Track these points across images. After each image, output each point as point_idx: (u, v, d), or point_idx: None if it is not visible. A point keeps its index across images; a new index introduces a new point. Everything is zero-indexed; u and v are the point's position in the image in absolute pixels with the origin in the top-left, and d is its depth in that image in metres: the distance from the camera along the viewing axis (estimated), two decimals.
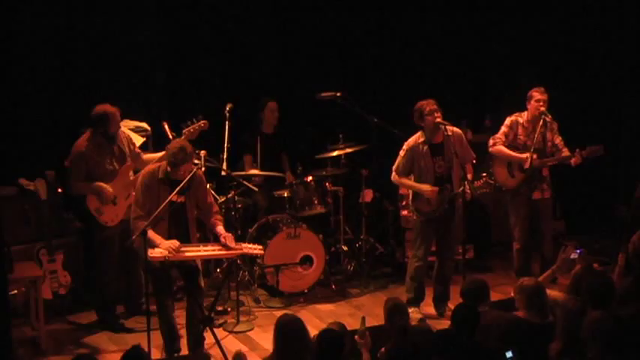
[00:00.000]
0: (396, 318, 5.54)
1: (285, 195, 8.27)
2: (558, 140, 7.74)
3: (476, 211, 8.49)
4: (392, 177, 7.45)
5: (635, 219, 7.64)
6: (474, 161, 7.45)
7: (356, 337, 5.43)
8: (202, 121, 7.26)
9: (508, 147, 7.75)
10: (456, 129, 7.31)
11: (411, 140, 7.33)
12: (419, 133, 7.30)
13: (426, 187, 7.23)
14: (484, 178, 7.23)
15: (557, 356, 5.36)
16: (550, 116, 7.62)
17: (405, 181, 7.39)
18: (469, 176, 7.16)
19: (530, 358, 5.34)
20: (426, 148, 7.26)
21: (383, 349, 5.30)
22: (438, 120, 7.11)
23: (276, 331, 5.14)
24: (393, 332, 5.44)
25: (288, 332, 5.11)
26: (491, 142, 7.85)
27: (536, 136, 7.49)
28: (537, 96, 7.63)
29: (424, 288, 7.56)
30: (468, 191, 7.07)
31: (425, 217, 7.34)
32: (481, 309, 5.51)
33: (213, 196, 7.54)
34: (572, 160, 7.61)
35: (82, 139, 7.20)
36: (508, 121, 7.81)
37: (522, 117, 7.75)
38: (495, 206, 8.93)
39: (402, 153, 7.36)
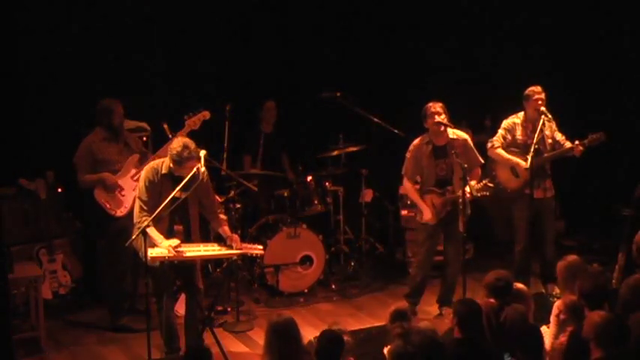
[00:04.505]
0: (396, 324, 5.55)
1: (285, 195, 8.27)
2: (559, 137, 7.73)
3: (478, 210, 8.50)
4: (403, 184, 7.50)
5: (635, 219, 7.63)
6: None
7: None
8: (204, 112, 7.29)
9: (508, 147, 7.74)
10: (462, 134, 7.36)
11: (417, 141, 7.38)
12: (425, 135, 7.34)
13: (426, 212, 7.31)
14: (484, 181, 7.23)
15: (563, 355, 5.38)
16: (549, 115, 7.61)
17: (411, 192, 7.44)
18: (474, 181, 7.18)
19: None
20: (429, 148, 7.28)
21: (386, 350, 5.32)
22: (437, 119, 7.13)
23: (267, 331, 5.17)
24: (394, 334, 5.46)
25: (280, 332, 5.13)
26: (489, 144, 7.83)
27: (536, 134, 7.47)
28: (535, 95, 7.62)
29: (424, 285, 7.56)
30: (469, 195, 7.08)
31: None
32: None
33: None
34: (575, 151, 7.60)
35: (90, 135, 7.28)
36: (505, 123, 7.79)
37: (519, 117, 7.74)
38: (496, 207, 8.93)
39: (408, 155, 7.40)
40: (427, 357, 5.02)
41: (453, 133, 7.27)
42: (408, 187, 7.47)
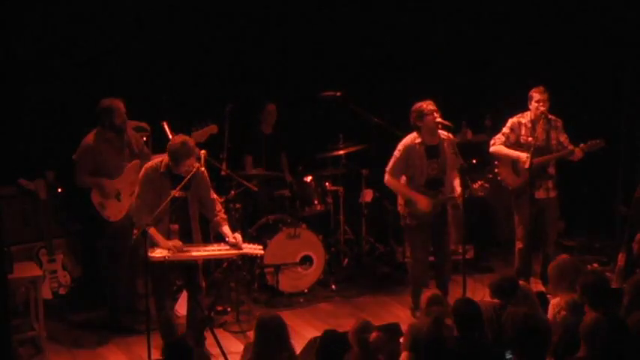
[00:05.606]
0: (433, 308, 5.60)
1: (285, 195, 8.27)
2: (564, 138, 7.74)
3: (478, 210, 8.50)
4: (385, 179, 7.35)
5: (635, 219, 7.64)
6: (474, 161, 7.44)
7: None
8: (212, 126, 7.29)
9: (511, 146, 7.74)
10: (450, 135, 7.31)
11: (407, 140, 7.28)
12: (415, 134, 7.25)
13: (422, 200, 7.17)
14: (480, 182, 7.21)
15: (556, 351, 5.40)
16: (552, 115, 7.62)
17: (399, 186, 7.32)
18: (456, 182, 7.17)
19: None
20: (422, 148, 7.23)
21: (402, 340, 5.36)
22: (438, 120, 7.09)
23: (255, 327, 5.25)
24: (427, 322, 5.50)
25: (267, 329, 5.20)
26: (491, 142, 7.85)
27: (536, 135, 7.49)
28: (537, 96, 7.63)
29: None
30: (459, 199, 7.06)
31: (417, 222, 7.30)
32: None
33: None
34: (574, 156, 7.60)
35: (91, 134, 7.22)
36: (510, 122, 7.81)
37: (525, 117, 7.75)
38: (497, 206, 8.93)
39: (397, 153, 7.28)
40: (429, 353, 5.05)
41: (443, 133, 7.22)
42: (395, 183, 7.31)
